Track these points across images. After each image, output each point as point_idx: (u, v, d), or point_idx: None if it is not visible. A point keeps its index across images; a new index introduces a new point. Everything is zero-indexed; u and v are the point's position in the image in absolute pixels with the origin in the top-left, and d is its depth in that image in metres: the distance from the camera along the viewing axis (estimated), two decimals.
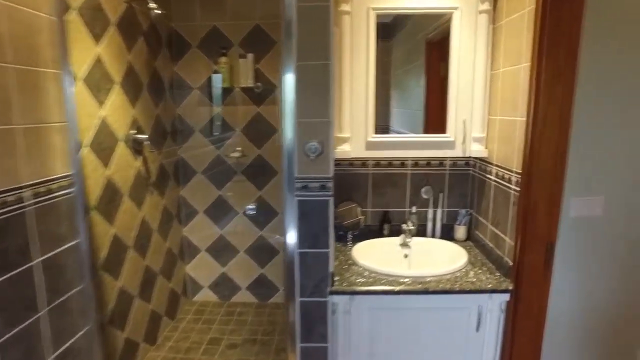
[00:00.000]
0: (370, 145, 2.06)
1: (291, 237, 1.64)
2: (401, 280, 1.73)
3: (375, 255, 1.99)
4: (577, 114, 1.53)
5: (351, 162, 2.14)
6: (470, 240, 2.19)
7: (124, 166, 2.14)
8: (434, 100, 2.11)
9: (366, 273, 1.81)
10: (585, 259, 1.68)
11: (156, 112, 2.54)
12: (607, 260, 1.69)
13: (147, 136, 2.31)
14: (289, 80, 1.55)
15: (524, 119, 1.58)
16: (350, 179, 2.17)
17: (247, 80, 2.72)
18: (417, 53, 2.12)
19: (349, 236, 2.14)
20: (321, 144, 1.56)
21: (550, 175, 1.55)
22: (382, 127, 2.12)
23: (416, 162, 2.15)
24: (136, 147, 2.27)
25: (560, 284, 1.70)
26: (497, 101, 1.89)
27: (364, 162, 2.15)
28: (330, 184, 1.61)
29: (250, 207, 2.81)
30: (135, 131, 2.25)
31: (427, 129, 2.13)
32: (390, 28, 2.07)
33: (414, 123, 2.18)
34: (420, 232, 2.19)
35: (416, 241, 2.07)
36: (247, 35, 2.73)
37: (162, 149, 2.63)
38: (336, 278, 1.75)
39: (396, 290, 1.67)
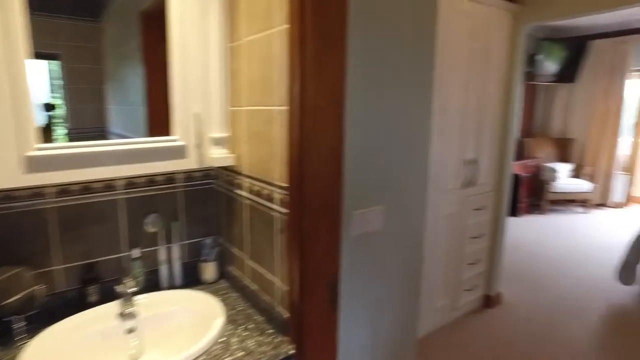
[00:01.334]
0: (36, 164, 1.15)
1: None
2: None
3: (72, 351, 1.15)
4: (348, 96, 1.12)
5: (8, 194, 1.20)
6: (225, 278, 1.59)
7: None
8: (157, 91, 1.42)
9: None
10: (369, 285, 1.33)
11: None
12: (389, 281, 1.38)
13: None
14: None
15: (285, 107, 1.06)
16: (13, 224, 1.22)
17: None
18: (133, 32, 1.42)
19: (19, 325, 1.20)
20: None
21: (327, 186, 1.09)
22: (98, 130, 1.38)
23: (131, 182, 1.40)
24: None
25: (348, 325, 1.30)
26: (243, 85, 1.33)
27: (38, 192, 1.25)
28: None
29: None
30: None
31: (153, 130, 1.43)
32: (97, 4, 1.30)
33: (135, 123, 1.46)
34: (153, 283, 1.46)
35: (145, 302, 1.33)
36: None
37: None
38: None
39: None
